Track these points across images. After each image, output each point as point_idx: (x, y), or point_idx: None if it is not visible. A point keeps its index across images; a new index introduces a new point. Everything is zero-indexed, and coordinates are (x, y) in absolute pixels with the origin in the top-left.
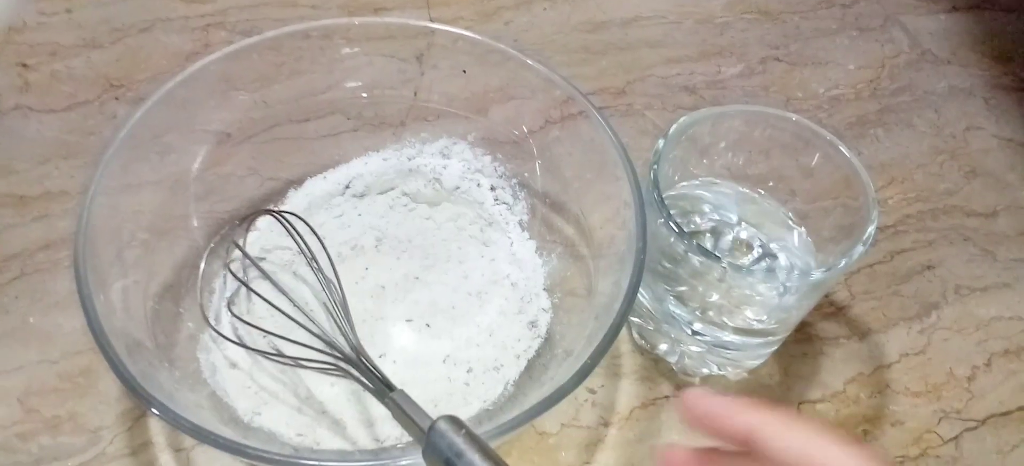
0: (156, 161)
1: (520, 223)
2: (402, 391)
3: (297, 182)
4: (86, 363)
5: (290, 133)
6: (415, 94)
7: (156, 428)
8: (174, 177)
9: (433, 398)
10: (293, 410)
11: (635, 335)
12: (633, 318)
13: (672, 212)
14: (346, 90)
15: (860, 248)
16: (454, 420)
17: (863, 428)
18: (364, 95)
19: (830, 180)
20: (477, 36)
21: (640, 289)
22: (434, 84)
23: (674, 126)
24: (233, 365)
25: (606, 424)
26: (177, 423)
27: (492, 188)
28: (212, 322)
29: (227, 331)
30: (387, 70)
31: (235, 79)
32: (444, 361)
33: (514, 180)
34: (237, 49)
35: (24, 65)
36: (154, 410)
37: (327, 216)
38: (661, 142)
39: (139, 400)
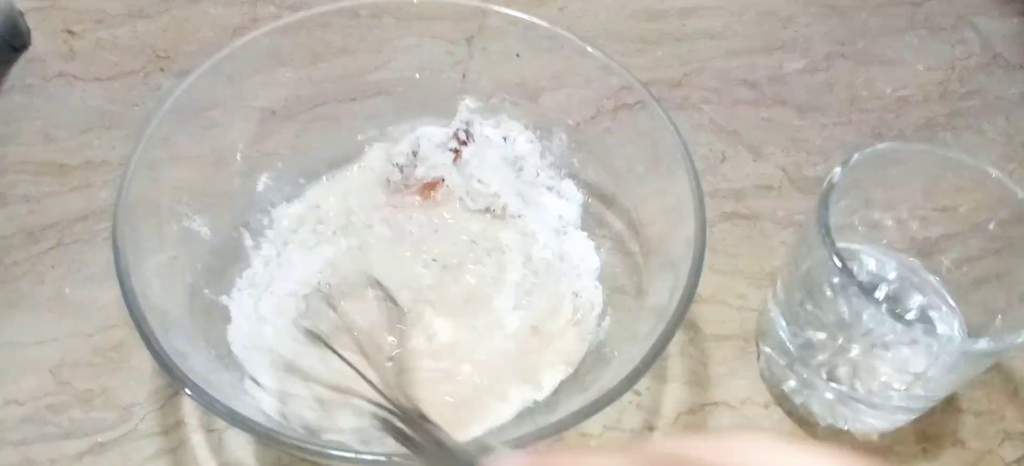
0: (200, 135)
1: (568, 214)
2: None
3: (339, 164)
4: (120, 337)
5: (335, 113)
6: (463, 77)
7: (189, 407)
8: (217, 153)
9: (477, 395)
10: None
11: (762, 365)
12: (764, 348)
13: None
14: (393, 71)
15: None
16: None
17: (923, 446)
18: (412, 76)
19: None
20: (532, 18)
21: (780, 321)
22: (483, 68)
23: (856, 156)
24: (268, 349)
25: (651, 429)
26: (210, 405)
27: (538, 174)
28: (250, 304)
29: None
30: (436, 52)
31: (283, 55)
32: (487, 357)
33: (563, 170)
34: (285, 24)
35: (70, 32)
36: (187, 390)
37: (368, 201)
38: (838, 171)
39: (172, 379)
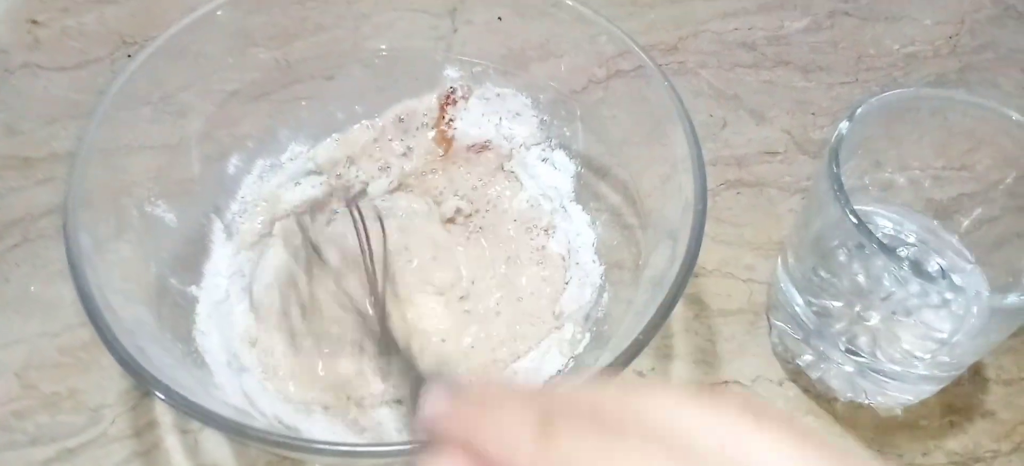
0: (168, 121)
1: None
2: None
3: (317, 141)
4: (88, 336)
5: (312, 92)
6: (448, 50)
7: (161, 408)
8: (186, 137)
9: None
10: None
11: (774, 339)
12: (775, 321)
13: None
14: (373, 47)
15: None
16: None
17: (950, 419)
18: (392, 52)
19: None
20: None
21: (793, 292)
22: (468, 40)
23: (863, 106)
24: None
25: None
26: (169, 395)
27: (528, 148)
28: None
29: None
30: (418, 26)
31: (254, 35)
32: (485, 340)
33: (554, 141)
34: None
35: (34, 22)
36: (153, 389)
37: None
38: (844, 125)
39: (131, 375)
